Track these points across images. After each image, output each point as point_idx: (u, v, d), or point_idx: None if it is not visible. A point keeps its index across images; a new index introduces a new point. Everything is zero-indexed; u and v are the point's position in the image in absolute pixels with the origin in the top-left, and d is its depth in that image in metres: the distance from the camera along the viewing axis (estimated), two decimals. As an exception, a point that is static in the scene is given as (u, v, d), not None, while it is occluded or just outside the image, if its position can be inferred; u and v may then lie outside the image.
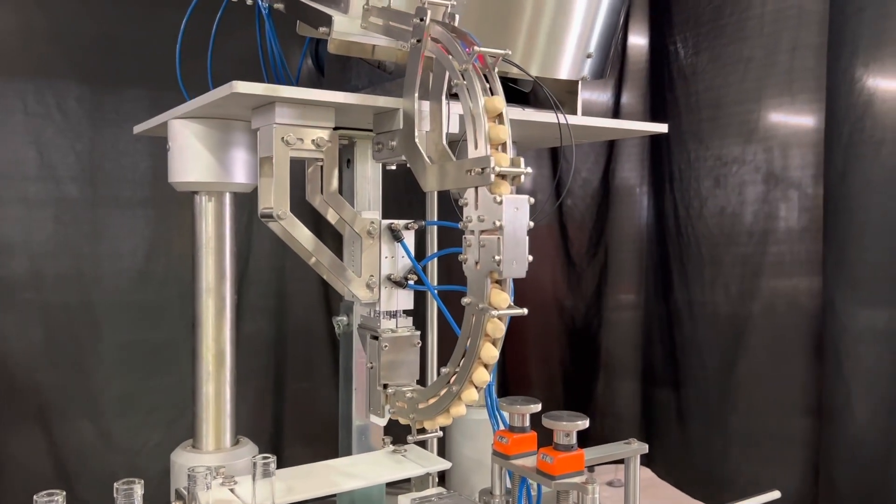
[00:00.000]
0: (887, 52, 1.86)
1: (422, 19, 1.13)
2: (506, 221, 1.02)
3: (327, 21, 1.25)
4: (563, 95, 1.56)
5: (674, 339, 2.60)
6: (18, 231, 2.06)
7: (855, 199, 1.95)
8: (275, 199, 1.21)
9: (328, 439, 2.47)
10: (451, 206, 2.18)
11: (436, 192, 1.92)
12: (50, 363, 2.10)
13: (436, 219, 1.87)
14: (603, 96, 2.79)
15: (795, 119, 2.24)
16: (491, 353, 1.07)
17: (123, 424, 2.18)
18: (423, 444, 1.60)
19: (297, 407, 2.47)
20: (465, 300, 1.08)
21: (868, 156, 1.89)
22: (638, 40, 2.75)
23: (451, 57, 1.09)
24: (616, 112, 2.80)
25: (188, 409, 2.22)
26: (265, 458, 1.20)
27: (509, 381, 2.75)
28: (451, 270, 2.14)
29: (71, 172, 2.12)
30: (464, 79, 1.07)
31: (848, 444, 1.96)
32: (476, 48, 1.06)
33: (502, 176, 1.03)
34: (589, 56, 1.51)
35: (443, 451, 1.85)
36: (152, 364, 2.21)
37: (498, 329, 1.06)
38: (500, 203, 1.02)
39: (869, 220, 1.91)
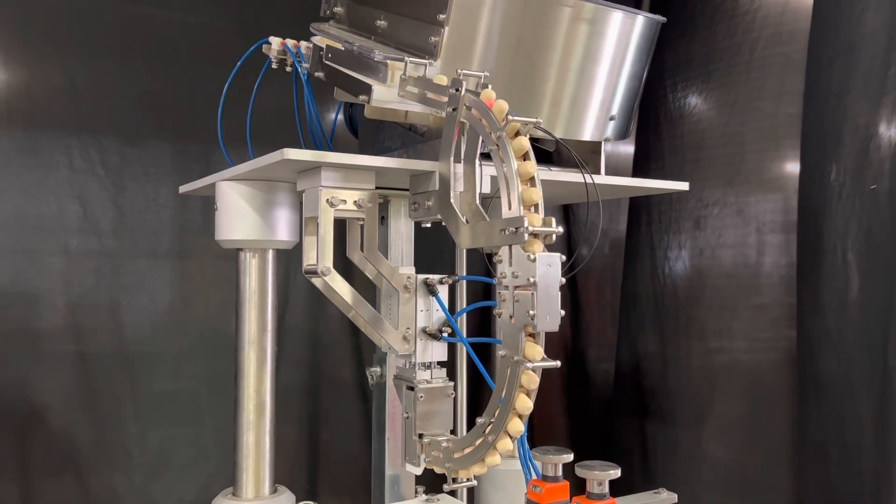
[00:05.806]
0: (852, 101, 1.88)
1: (457, 89, 1.21)
2: (539, 278, 1.08)
3: (367, 90, 1.34)
4: (586, 155, 1.62)
5: (642, 385, 2.58)
6: (59, 283, 2.14)
7: (824, 244, 1.95)
8: (319, 256, 1.28)
9: (357, 490, 2.49)
10: (477, 258, 2.25)
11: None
12: (84, 416, 2.15)
13: (465, 271, 1.92)
14: (625, 147, 2.86)
15: (778, 164, 2.25)
16: (525, 403, 1.12)
17: (158, 479, 2.21)
18: (453, 493, 1.62)
19: (329, 457, 2.49)
20: (500, 352, 1.14)
21: (832, 200, 1.92)
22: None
23: (484, 123, 1.17)
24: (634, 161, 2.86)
25: (223, 464, 2.25)
26: (307, 505, 1.24)
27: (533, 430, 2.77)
28: (478, 321, 2.19)
29: (112, 226, 2.21)
30: (497, 145, 1.15)
31: (831, 486, 1.94)
32: (510, 117, 1.14)
33: (535, 235, 1.10)
34: (612, 118, 1.58)
35: (472, 501, 1.87)
36: (187, 416, 2.25)
37: (532, 380, 1.11)
38: (534, 260, 1.08)
39: (836, 263, 1.92)
